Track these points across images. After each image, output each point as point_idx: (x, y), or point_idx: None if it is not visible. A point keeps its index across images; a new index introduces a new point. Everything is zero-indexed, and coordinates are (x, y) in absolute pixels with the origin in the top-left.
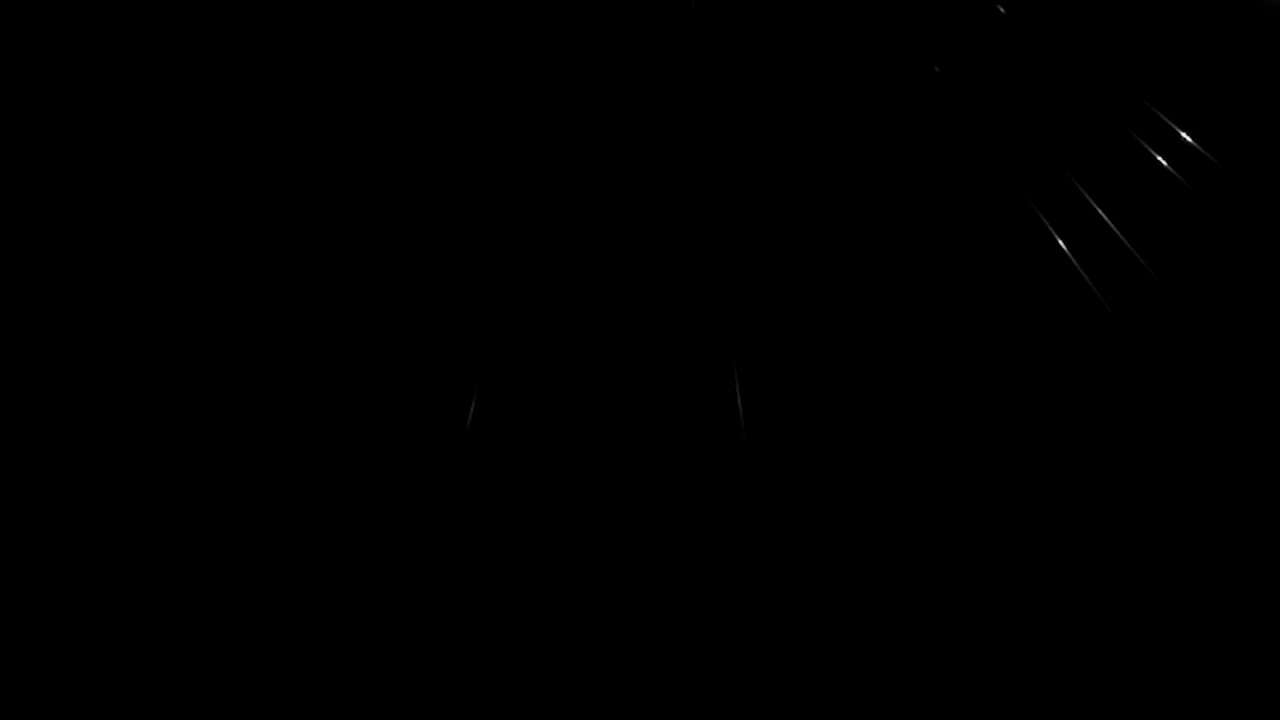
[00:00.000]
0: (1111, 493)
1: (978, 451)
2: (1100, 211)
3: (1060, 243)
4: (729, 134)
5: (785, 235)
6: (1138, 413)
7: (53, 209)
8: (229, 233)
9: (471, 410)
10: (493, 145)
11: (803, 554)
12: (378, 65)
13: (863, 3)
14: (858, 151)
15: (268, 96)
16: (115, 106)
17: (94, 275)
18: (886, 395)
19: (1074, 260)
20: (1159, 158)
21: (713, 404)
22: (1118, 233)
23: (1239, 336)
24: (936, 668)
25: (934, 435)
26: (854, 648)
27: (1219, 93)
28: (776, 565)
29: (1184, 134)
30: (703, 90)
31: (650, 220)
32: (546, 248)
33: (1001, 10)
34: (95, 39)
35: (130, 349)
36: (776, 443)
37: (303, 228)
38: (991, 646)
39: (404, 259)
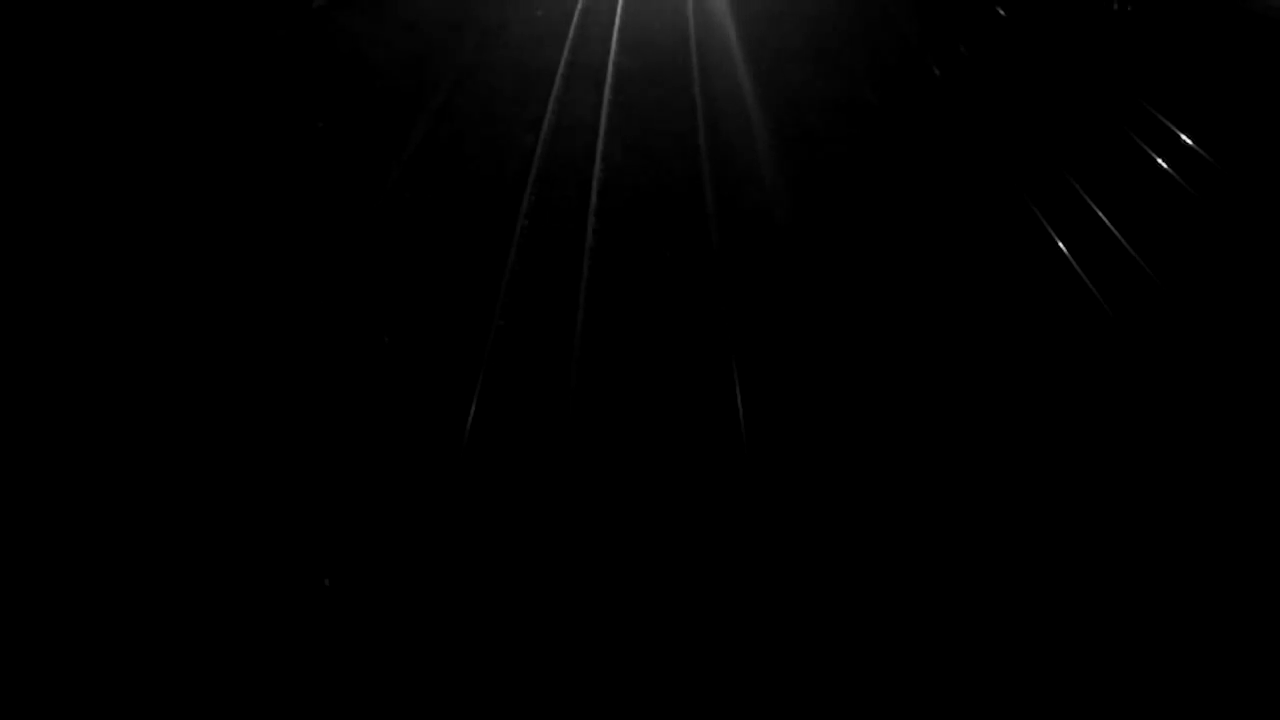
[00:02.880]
0: (1110, 489)
1: (977, 448)
2: (1099, 212)
3: (1060, 244)
4: (730, 134)
5: (785, 236)
6: (1137, 410)
7: None
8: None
9: (472, 412)
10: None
11: (803, 553)
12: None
13: (865, 6)
14: (858, 152)
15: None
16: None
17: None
18: (886, 394)
19: (1073, 260)
20: (1158, 159)
21: (713, 404)
22: (1116, 233)
23: (1238, 336)
24: (936, 666)
25: (933, 433)
26: (854, 647)
27: (1218, 94)
28: (777, 565)
29: (1184, 136)
30: (702, 99)
31: (653, 222)
32: (545, 248)
33: (1001, 13)
34: None
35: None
36: (777, 442)
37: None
38: (989, 645)
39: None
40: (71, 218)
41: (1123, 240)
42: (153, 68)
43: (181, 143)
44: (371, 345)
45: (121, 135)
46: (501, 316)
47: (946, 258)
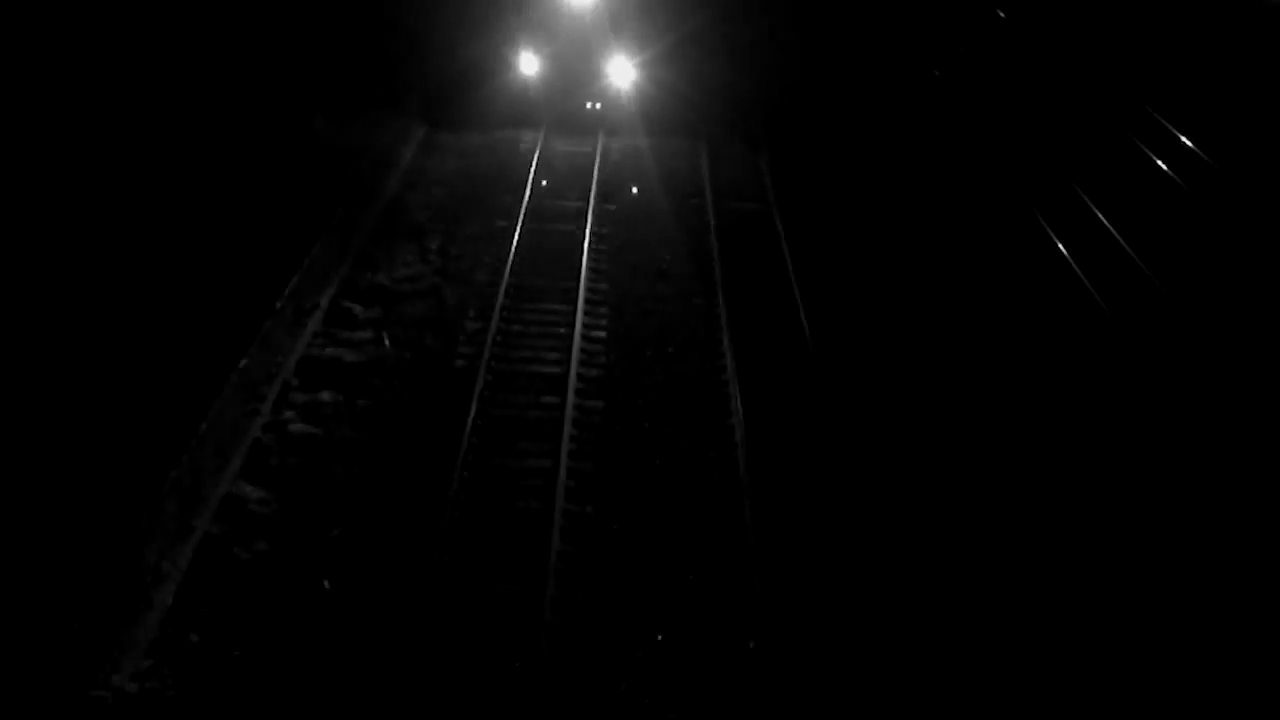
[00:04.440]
0: (1110, 490)
1: (975, 446)
2: (1099, 213)
3: (1059, 245)
4: (730, 133)
5: (785, 239)
6: (1135, 409)
7: None
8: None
9: (470, 421)
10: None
11: (805, 560)
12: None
13: (864, 8)
14: (858, 154)
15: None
16: None
17: None
18: (886, 397)
19: (1072, 261)
20: (1158, 161)
21: (711, 400)
22: (1115, 234)
23: (1237, 336)
24: (937, 670)
25: (933, 435)
26: (854, 653)
27: (1218, 94)
28: (779, 575)
29: (1183, 138)
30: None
31: (654, 223)
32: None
33: (1001, 15)
34: None
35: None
36: (777, 444)
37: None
38: (989, 648)
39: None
40: (68, 220)
41: (1122, 240)
42: (142, 84)
43: (180, 142)
44: (373, 344)
45: (98, 154)
46: (501, 317)
47: (945, 256)
